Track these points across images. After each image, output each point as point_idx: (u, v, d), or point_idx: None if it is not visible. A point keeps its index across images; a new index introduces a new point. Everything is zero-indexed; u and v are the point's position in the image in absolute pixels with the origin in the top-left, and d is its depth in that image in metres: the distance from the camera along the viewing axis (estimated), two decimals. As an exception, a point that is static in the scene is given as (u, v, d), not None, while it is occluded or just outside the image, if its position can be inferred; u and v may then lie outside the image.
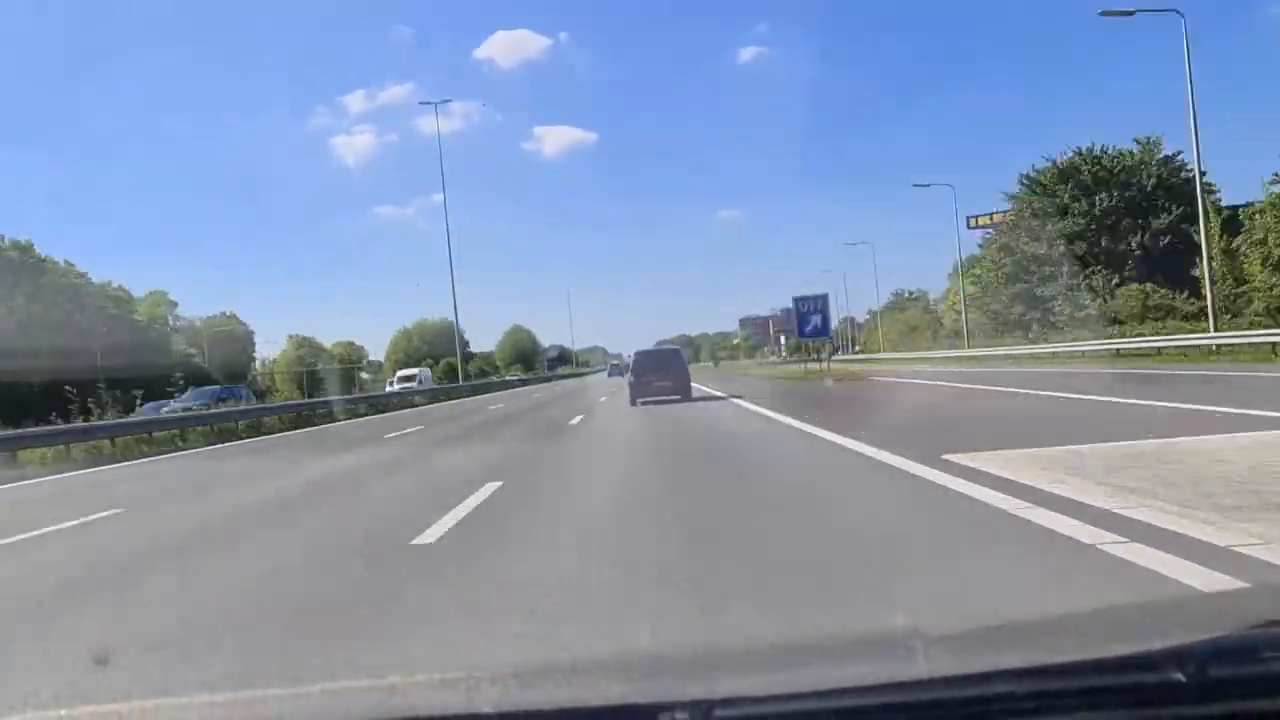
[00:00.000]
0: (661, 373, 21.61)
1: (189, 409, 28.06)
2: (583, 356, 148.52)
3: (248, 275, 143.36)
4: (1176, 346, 27.10)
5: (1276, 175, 32.43)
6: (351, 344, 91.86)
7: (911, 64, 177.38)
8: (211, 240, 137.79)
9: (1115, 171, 45.24)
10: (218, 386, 38.54)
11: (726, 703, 0.85)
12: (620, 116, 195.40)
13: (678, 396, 20.63)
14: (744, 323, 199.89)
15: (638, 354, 24.82)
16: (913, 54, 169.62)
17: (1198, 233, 29.49)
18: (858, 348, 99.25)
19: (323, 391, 44.68)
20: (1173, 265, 40.79)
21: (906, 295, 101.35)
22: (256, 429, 23.84)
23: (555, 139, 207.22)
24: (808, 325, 31.38)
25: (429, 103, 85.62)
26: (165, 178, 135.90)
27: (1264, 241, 32.32)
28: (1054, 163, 47.26)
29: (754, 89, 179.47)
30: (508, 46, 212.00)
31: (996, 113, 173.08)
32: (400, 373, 57.92)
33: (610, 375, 69.02)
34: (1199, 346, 25.88)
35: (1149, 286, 39.90)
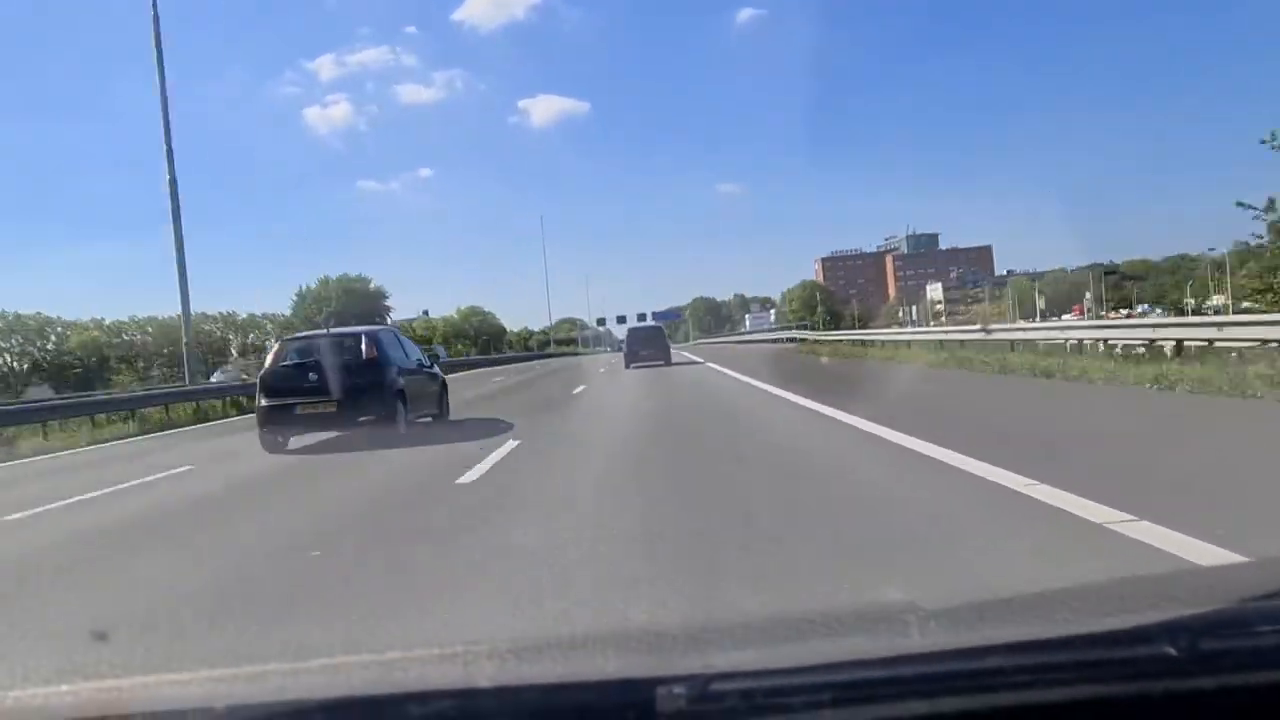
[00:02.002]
0: (648, 346, 29.81)
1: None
2: (559, 333, 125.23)
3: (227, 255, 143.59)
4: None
5: None
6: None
7: (915, 26, 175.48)
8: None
9: None
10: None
11: (723, 676, 0.85)
12: (613, 84, 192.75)
13: (661, 361, 28.63)
14: (831, 266, 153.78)
15: (629, 331, 33.52)
16: (915, 17, 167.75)
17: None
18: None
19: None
20: None
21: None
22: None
23: (544, 109, 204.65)
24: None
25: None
26: (126, 148, 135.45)
27: None
28: None
29: (752, 54, 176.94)
30: (490, 6, 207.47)
31: (1004, 81, 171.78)
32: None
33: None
34: None
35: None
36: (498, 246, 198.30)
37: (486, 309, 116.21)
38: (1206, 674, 0.87)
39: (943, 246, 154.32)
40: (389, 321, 71.78)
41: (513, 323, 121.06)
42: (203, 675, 0.99)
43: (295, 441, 11.26)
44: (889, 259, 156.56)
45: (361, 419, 11.02)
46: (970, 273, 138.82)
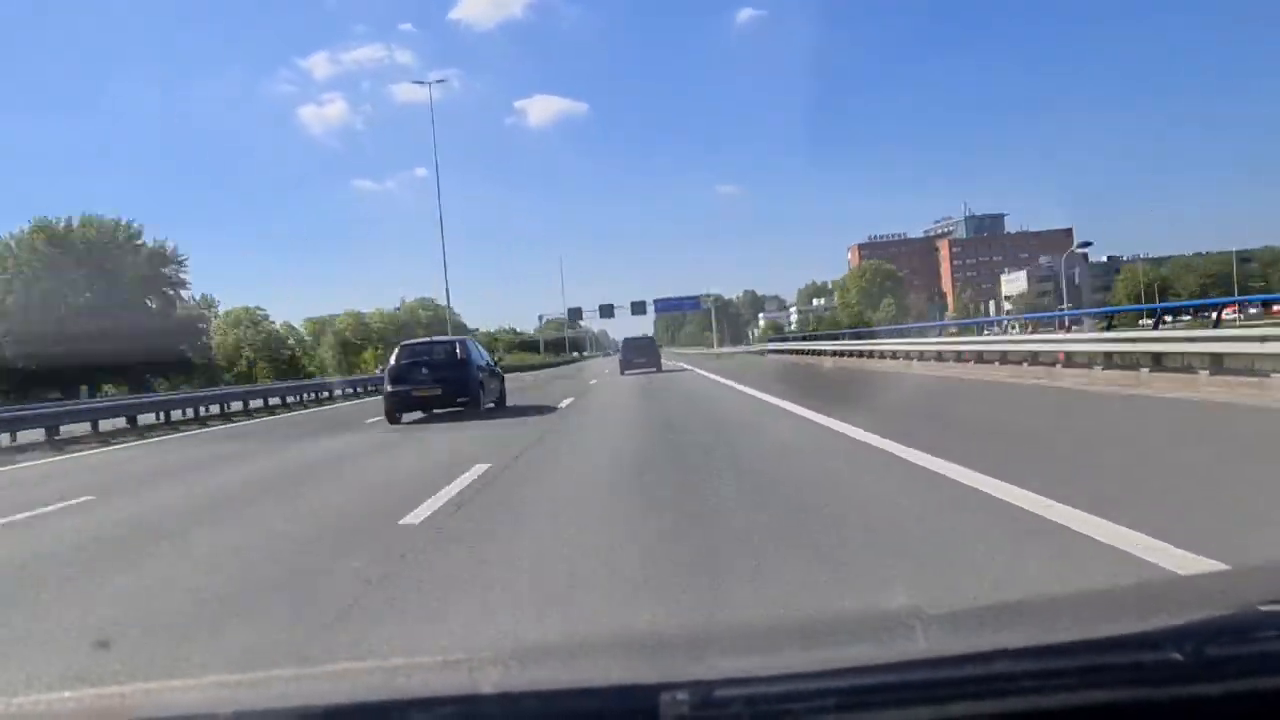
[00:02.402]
0: (641, 354, 34.26)
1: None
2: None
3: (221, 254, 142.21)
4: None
5: None
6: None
7: (915, 26, 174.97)
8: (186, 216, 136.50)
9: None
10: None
11: (727, 682, 0.85)
12: (612, 85, 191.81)
13: (653, 369, 33.08)
14: (869, 254, 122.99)
15: (624, 342, 37.41)
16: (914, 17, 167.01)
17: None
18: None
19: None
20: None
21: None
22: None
23: (541, 109, 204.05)
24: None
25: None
26: (121, 143, 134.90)
27: None
28: None
29: (752, 54, 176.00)
30: (488, 4, 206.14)
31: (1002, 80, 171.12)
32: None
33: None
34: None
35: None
36: (497, 247, 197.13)
37: (440, 302, 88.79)
38: (1213, 680, 0.86)
39: (1009, 230, 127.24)
40: (181, 297, 54.91)
41: (500, 322, 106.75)
42: (206, 681, 0.99)
43: (406, 417, 15.75)
44: (945, 245, 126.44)
45: (457, 401, 15.74)
46: (1055, 259, 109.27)
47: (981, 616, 1.17)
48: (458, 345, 16.86)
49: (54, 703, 0.95)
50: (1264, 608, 1.03)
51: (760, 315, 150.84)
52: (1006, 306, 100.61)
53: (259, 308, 74.06)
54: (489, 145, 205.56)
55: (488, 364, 17.74)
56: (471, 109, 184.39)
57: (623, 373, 32.73)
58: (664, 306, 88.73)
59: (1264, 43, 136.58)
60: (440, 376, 15.67)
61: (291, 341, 72.75)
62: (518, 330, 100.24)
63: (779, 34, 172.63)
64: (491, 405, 17.02)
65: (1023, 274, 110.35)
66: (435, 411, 16.19)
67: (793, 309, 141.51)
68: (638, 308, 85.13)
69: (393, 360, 16.46)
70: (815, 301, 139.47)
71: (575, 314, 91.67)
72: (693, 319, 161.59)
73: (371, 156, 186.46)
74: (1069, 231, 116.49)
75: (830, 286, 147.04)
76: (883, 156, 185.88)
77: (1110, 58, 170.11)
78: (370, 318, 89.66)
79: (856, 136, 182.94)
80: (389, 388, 15.96)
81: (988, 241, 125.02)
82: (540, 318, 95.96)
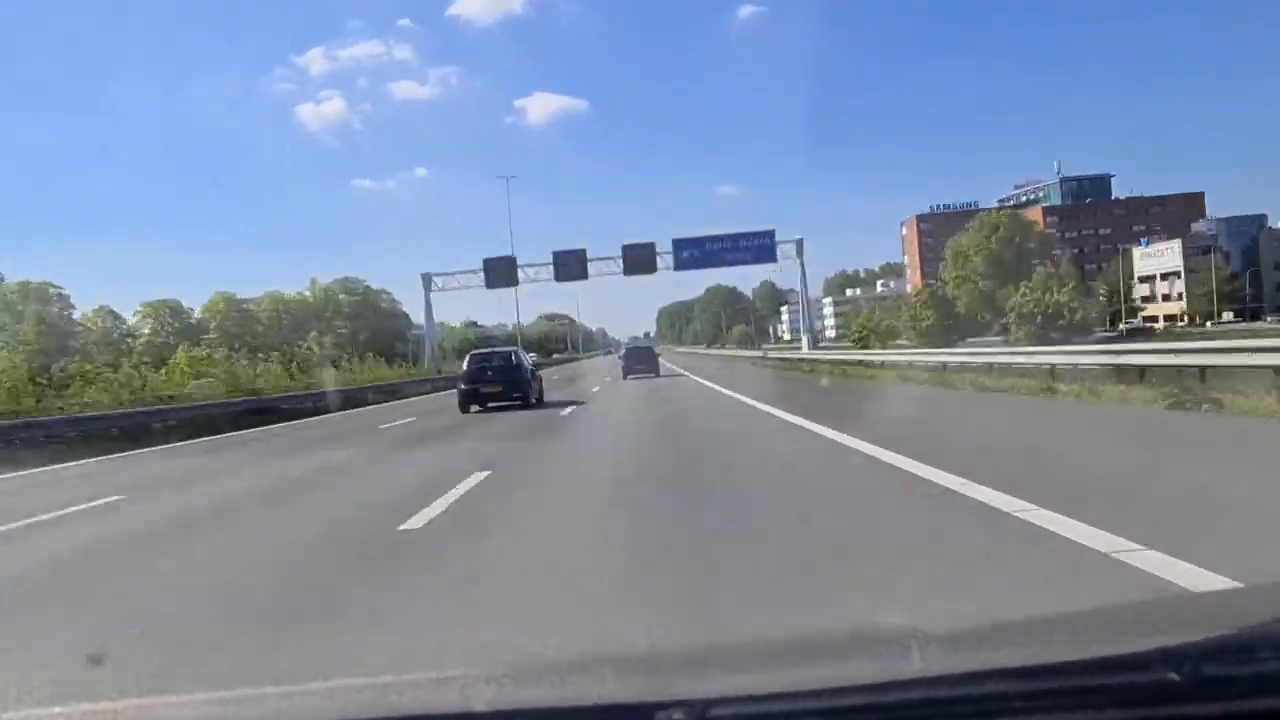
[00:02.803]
0: (641, 360, 36.04)
1: None
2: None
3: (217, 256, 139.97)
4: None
5: None
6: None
7: (915, 26, 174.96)
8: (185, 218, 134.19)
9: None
10: None
11: (722, 701, 0.85)
12: (612, 83, 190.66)
13: (652, 374, 34.46)
14: (931, 228, 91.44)
15: (627, 350, 40.88)
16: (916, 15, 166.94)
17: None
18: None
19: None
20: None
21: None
22: None
23: (541, 107, 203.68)
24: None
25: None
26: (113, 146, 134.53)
27: None
28: None
29: (752, 53, 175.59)
30: (487, 0, 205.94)
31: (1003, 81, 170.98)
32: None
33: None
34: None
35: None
36: (495, 245, 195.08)
37: (370, 282, 68.40)
38: (1209, 700, 0.86)
39: (1117, 194, 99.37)
40: None
41: (478, 316, 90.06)
42: (199, 698, 0.98)
43: (473, 408, 20.15)
44: (1038, 214, 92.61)
45: (513, 397, 20.62)
46: (1213, 224, 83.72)
47: (977, 636, 1.17)
48: (513, 354, 22.82)
49: (45, 717, 0.94)
50: (1260, 628, 1.03)
51: (783, 309, 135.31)
52: (1161, 290, 75.77)
53: (52, 283, 56.56)
54: (489, 143, 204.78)
55: (531, 368, 22.96)
56: (471, 106, 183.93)
57: (625, 378, 33.69)
58: (694, 258, 46.22)
59: (1264, 43, 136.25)
60: (501, 378, 20.96)
61: (116, 336, 53.63)
62: (504, 325, 73.91)
63: (779, 33, 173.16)
64: (534, 401, 21.51)
65: (1174, 245, 78.74)
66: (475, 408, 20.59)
67: (826, 301, 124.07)
68: (636, 260, 46.00)
69: (465, 365, 22.36)
70: (849, 291, 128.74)
71: (499, 270, 47.54)
72: (702, 313, 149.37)
73: (370, 155, 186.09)
74: (1199, 196, 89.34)
75: (862, 275, 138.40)
76: (883, 156, 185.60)
77: (1110, 58, 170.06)
78: (256, 303, 61.16)
79: (856, 136, 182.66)
80: (462, 385, 21.08)
81: (1092, 211, 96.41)
82: (426, 279, 49.55)
